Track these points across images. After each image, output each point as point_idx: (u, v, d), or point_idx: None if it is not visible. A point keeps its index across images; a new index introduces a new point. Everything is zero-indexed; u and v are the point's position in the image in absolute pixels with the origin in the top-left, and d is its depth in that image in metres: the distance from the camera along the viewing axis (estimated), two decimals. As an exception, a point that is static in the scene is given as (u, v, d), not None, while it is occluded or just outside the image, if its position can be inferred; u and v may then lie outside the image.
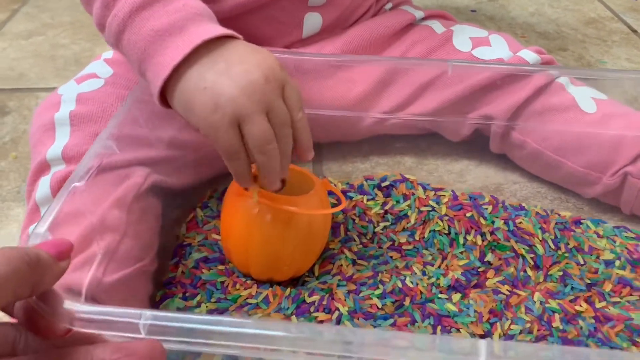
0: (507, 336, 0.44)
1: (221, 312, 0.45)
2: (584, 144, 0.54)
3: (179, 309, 0.45)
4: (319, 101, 0.55)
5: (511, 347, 0.29)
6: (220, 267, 0.48)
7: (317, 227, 0.45)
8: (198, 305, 0.45)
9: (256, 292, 0.46)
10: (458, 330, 0.44)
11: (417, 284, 0.47)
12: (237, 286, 0.46)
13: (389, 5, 0.64)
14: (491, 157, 0.61)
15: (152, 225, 0.48)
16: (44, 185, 0.45)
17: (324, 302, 0.45)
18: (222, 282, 0.47)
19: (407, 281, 0.47)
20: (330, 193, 0.51)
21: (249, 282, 0.47)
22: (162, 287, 0.47)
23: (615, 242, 0.52)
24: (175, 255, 0.49)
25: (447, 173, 0.60)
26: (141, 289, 0.45)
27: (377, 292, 0.46)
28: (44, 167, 0.46)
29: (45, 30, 0.89)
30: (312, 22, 0.57)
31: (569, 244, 0.51)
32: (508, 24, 0.90)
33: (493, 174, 0.60)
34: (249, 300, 0.45)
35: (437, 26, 0.61)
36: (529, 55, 0.57)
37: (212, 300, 0.45)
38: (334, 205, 0.51)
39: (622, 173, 0.52)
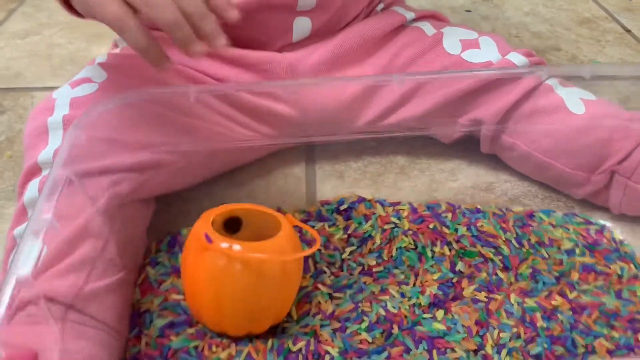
0: (499, 345, 0.43)
1: (202, 381, 0.40)
2: (572, 145, 0.54)
3: (153, 388, 0.40)
4: (309, 105, 0.56)
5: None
6: (190, 330, 0.43)
7: (291, 270, 0.42)
8: (174, 378, 0.41)
9: (236, 351, 0.42)
10: (453, 349, 0.43)
11: (399, 308, 0.46)
12: (214, 348, 0.42)
13: (381, 5, 0.63)
14: (483, 156, 0.61)
15: (137, 233, 0.48)
16: (32, 188, 0.45)
17: (311, 348, 0.42)
18: (196, 347, 0.42)
19: (389, 307, 0.46)
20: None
21: (225, 341, 0.43)
22: (127, 365, 0.42)
23: (569, 229, 0.54)
24: (133, 326, 0.44)
25: (438, 172, 0.60)
26: (126, 297, 0.45)
27: (364, 325, 0.44)
28: (34, 170, 0.45)
29: (41, 29, 0.88)
30: (302, 26, 0.57)
31: (530, 240, 0.52)
32: (503, 23, 0.90)
33: (484, 173, 0.60)
34: (232, 362, 0.41)
35: (428, 28, 0.60)
36: (517, 58, 0.57)
37: (189, 369, 0.41)
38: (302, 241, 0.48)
39: (609, 171, 0.53)
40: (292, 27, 0.57)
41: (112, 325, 0.41)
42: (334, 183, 0.59)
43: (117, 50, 0.58)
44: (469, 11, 0.93)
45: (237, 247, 0.40)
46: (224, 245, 0.40)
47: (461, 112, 0.58)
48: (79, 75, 0.52)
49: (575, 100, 0.55)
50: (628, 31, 0.88)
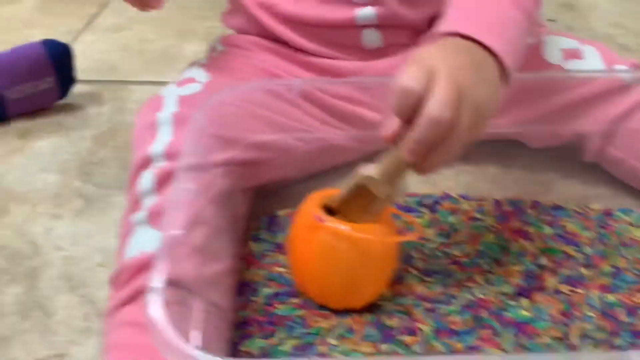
0: (584, 336, 0.46)
1: (307, 347, 0.44)
2: None
3: (262, 349, 0.44)
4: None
5: None
6: (294, 300, 0.47)
7: (390, 252, 0.46)
8: (281, 342, 0.45)
9: (337, 322, 0.46)
10: (539, 335, 0.45)
11: (486, 295, 0.49)
12: (316, 318, 0.46)
13: None
14: (580, 169, 0.59)
15: (239, 220, 0.52)
16: (146, 179, 0.48)
17: (406, 324, 0.46)
18: (300, 316, 0.46)
19: (477, 293, 0.49)
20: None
21: (326, 312, 0.47)
22: (237, 328, 0.46)
23: (649, 229, 0.56)
24: (240, 294, 0.49)
25: (532, 184, 0.58)
26: (234, 283, 0.47)
27: (454, 307, 0.47)
28: (145, 162, 0.48)
29: (132, 24, 0.91)
30: (370, 39, 0.57)
31: (612, 240, 0.54)
32: (587, 34, 0.84)
33: (581, 188, 0.58)
34: (334, 332, 0.45)
35: None
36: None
37: (295, 335, 0.45)
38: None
39: None
40: (360, 39, 0.57)
41: (225, 309, 0.44)
42: (426, 191, 0.58)
43: (215, 55, 0.61)
44: (553, 20, 0.88)
45: (345, 227, 0.44)
46: (334, 225, 0.44)
47: (561, 121, 0.56)
48: (183, 76, 0.57)
49: None
50: None
